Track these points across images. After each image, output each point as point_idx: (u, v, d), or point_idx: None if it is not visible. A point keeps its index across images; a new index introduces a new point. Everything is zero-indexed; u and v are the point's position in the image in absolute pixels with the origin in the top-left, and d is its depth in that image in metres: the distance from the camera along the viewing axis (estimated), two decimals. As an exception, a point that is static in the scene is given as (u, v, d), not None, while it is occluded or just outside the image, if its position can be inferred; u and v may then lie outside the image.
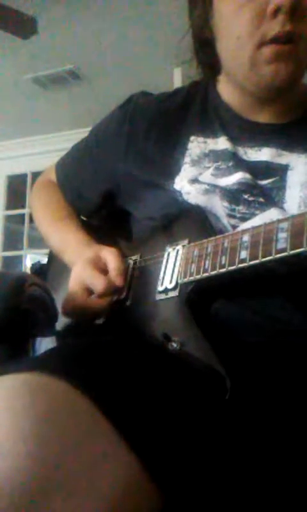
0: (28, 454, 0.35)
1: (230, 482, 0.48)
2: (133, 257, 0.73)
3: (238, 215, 0.66)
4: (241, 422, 0.53)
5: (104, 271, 0.68)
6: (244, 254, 0.52)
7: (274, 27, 0.61)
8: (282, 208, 0.66)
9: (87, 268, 0.68)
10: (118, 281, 0.66)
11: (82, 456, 0.38)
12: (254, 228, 0.53)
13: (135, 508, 0.40)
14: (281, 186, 0.67)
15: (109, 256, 0.69)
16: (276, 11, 0.60)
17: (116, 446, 0.40)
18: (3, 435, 0.36)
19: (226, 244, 0.56)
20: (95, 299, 0.67)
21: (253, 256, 0.51)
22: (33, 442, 0.36)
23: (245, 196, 0.67)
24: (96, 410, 0.41)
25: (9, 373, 0.42)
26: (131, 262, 0.73)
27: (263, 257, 0.50)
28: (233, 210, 0.67)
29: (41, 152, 3.99)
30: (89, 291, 0.68)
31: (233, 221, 0.66)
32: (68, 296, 0.70)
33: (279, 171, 0.68)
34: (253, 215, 0.66)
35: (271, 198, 0.67)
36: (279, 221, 0.50)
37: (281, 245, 0.48)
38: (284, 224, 0.48)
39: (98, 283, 0.66)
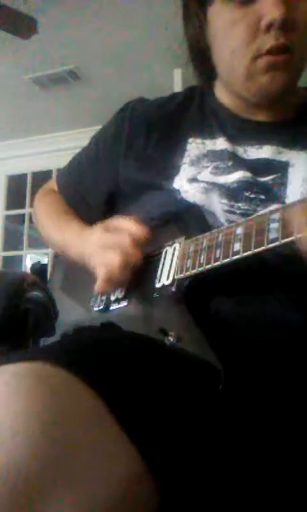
0: (29, 446, 0.35)
1: (227, 475, 0.48)
2: None
3: (237, 211, 0.67)
4: (239, 418, 0.53)
5: (121, 231, 0.67)
6: (237, 246, 0.53)
7: (268, 41, 0.63)
8: (283, 203, 0.66)
9: (104, 234, 0.68)
10: (138, 229, 0.65)
11: (83, 446, 0.38)
12: (247, 220, 0.54)
13: (134, 502, 0.40)
14: (282, 183, 0.68)
15: (117, 220, 0.69)
16: (269, 26, 0.62)
17: (116, 436, 0.40)
18: (4, 421, 0.36)
19: (220, 238, 0.57)
20: (129, 252, 0.64)
21: (246, 248, 0.52)
22: (34, 429, 0.36)
23: (246, 194, 0.68)
24: (98, 399, 0.41)
25: (14, 361, 0.42)
26: None
27: (255, 248, 0.50)
28: (232, 206, 0.68)
29: (41, 152, 4.00)
30: (119, 249, 0.65)
31: (233, 217, 0.67)
32: (99, 265, 0.66)
33: (279, 168, 0.69)
34: (255, 211, 0.66)
35: (272, 194, 0.67)
36: (270, 212, 0.50)
37: (272, 235, 0.48)
38: (276, 215, 0.49)
39: (121, 238, 0.65)
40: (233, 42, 0.66)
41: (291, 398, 0.57)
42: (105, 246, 0.66)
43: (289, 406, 0.56)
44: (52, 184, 0.97)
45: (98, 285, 0.66)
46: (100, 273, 0.65)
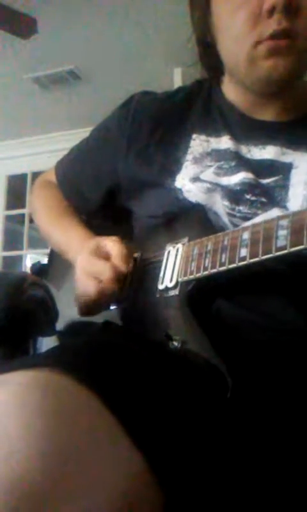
0: (39, 455, 0.35)
1: (231, 480, 0.48)
2: (134, 255, 0.73)
3: (238, 214, 0.66)
4: (242, 420, 0.53)
5: (107, 258, 0.67)
6: (243, 252, 0.52)
7: (271, 26, 0.62)
8: (285, 207, 0.65)
9: (90, 258, 0.68)
10: (122, 265, 0.65)
11: (90, 459, 0.38)
12: (254, 225, 0.53)
13: (138, 508, 0.40)
14: (283, 185, 0.67)
15: (110, 243, 0.68)
16: (272, 10, 0.61)
17: (122, 444, 0.40)
18: (14, 433, 0.36)
19: (226, 242, 0.56)
20: (105, 286, 0.66)
21: (253, 254, 0.51)
22: (44, 442, 0.36)
23: (247, 196, 0.67)
24: (104, 408, 0.41)
25: (17, 369, 0.42)
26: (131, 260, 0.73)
27: (263, 255, 0.50)
28: (233, 209, 0.67)
29: (41, 152, 3.99)
30: (98, 280, 0.67)
31: (234, 220, 0.66)
32: (79, 290, 0.69)
33: (282, 170, 0.68)
34: (255, 215, 0.66)
35: (274, 197, 0.66)
36: (279, 218, 0.49)
37: (281, 243, 0.48)
38: (284, 222, 0.48)
39: (103, 270, 0.65)
40: (236, 29, 0.65)
41: (293, 399, 0.56)
42: (85, 274, 0.68)
43: (292, 407, 0.56)
44: (50, 173, 0.95)
45: (78, 310, 0.72)
46: (79, 299, 0.70)
